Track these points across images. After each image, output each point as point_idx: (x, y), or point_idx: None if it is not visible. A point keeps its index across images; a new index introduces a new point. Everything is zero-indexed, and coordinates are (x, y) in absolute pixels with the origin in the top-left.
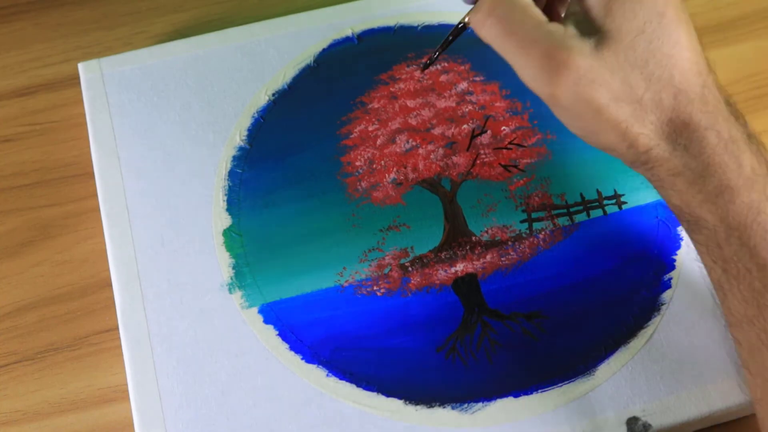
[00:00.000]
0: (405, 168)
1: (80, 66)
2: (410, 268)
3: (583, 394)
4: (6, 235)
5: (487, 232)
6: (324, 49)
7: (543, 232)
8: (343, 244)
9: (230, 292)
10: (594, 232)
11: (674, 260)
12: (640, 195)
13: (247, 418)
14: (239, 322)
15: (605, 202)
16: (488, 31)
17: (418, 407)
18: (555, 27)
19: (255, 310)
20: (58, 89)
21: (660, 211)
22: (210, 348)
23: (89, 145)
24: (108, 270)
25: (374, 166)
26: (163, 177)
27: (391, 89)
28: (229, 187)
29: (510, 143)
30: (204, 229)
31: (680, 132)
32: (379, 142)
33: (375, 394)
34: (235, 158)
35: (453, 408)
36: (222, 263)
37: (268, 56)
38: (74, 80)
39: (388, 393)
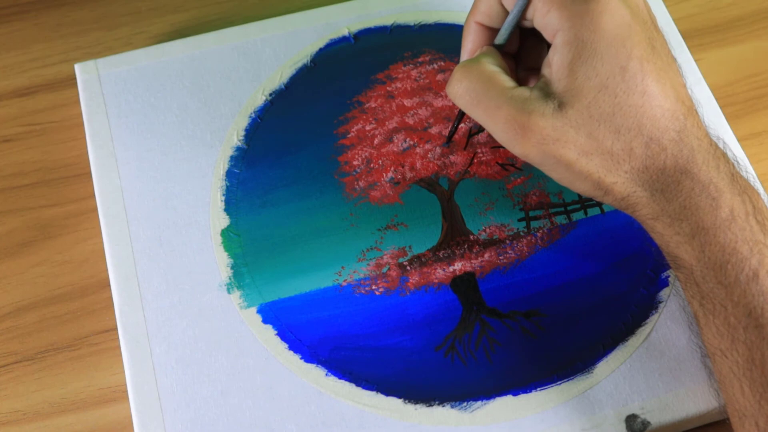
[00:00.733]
0: (402, 167)
1: (77, 67)
2: (408, 267)
3: (582, 392)
4: (6, 235)
5: (485, 230)
6: (320, 49)
7: (541, 231)
8: (341, 243)
9: (229, 292)
10: (591, 230)
11: None
12: None
13: (246, 417)
14: (238, 322)
15: None
16: (460, 101)
17: (418, 406)
18: (519, 92)
19: (254, 309)
20: (57, 89)
21: None
22: (209, 348)
23: None
24: (108, 270)
25: (372, 165)
26: (161, 177)
27: (388, 88)
28: (227, 187)
29: None
30: (202, 229)
31: (656, 178)
32: (376, 141)
33: (374, 393)
34: (232, 158)
35: (452, 407)
36: (220, 263)
37: (265, 56)
38: (74, 80)
39: (387, 392)
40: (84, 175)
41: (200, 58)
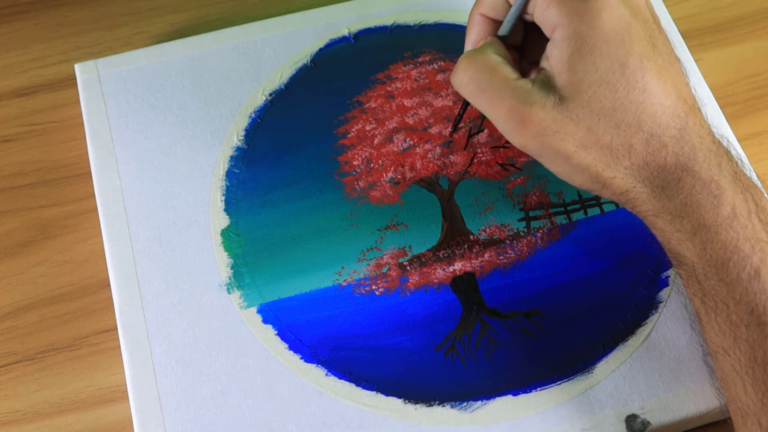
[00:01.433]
0: (402, 167)
1: (77, 67)
2: (408, 267)
3: (582, 392)
4: (6, 235)
5: (485, 230)
6: (320, 49)
7: (541, 231)
8: (341, 243)
9: (229, 292)
10: (592, 231)
11: None
12: None
13: (246, 417)
14: (238, 322)
15: (602, 200)
16: (464, 91)
17: (418, 406)
18: (522, 83)
19: (254, 309)
20: (57, 89)
21: None
22: (209, 348)
23: None
24: (108, 270)
25: (372, 165)
26: (161, 177)
27: (388, 88)
28: (227, 187)
29: (507, 142)
30: (202, 229)
31: (657, 175)
32: (376, 141)
33: (374, 393)
34: (232, 158)
35: (452, 407)
36: (220, 263)
37: (265, 56)
38: (74, 80)
39: (387, 392)
40: (84, 175)
41: (200, 58)
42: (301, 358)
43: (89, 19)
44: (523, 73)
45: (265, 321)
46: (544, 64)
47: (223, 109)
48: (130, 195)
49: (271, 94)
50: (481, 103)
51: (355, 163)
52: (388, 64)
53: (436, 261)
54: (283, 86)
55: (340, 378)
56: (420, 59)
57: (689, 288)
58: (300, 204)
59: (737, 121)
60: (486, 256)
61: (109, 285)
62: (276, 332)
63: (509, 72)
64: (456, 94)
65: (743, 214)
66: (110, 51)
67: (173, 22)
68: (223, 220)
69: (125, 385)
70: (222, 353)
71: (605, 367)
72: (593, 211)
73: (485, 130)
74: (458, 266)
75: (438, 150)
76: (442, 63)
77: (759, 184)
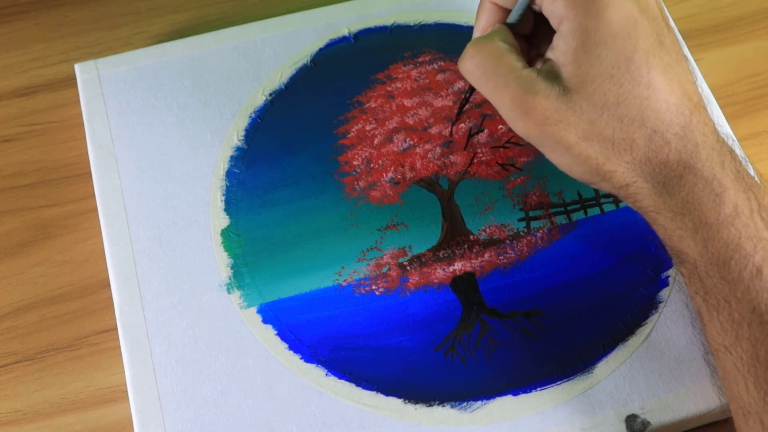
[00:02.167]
0: (402, 167)
1: (77, 67)
2: (408, 267)
3: (582, 392)
4: (6, 235)
5: (485, 230)
6: (320, 49)
7: (541, 231)
8: (341, 243)
9: (229, 292)
10: (592, 230)
11: None
12: None
13: (246, 417)
14: (238, 322)
15: (602, 200)
16: (471, 77)
17: (418, 406)
18: (527, 72)
19: (254, 309)
20: (57, 89)
21: None
22: (209, 348)
23: None
24: (108, 270)
25: (372, 165)
26: (161, 177)
27: (387, 88)
28: (227, 187)
29: (507, 142)
30: (202, 229)
31: (658, 171)
32: (376, 141)
33: (374, 393)
34: (232, 158)
35: (452, 407)
36: (220, 263)
37: (265, 56)
38: (74, 80)
39: (387, 392)
40: (84, 175)
41: (200, 58)
42: (301, 358)
43: (89, 19)
44: (531, 63)
45: (265, 321)
46: (550, 54)
47: (223, 109)
48: (130, 195)
49: (271, 94)
50: (486, 89)
51: (355, 163)
52: (388, 64)
53: (436, 261)
54: (283, 86)
55: (340, 378)
56: (420, 59)
57: (691, 286)
58: (300, 204)
59: (737, 121)
60: (486, 256)
61: (109, 285)
62: (276, 332)
63: (515, 60)
64: (456, 94)
65: (745, 213)
66: (110, 51)
67: (173, 22)
68: (223, 220)
69: (125, 385)
70: (222, 353)
71: (605, 367)
72: (593, 211)
73: (485, 130)
74: (458, 266)
75: (438, 150)
76: (442, 63)
77: (762, 184)
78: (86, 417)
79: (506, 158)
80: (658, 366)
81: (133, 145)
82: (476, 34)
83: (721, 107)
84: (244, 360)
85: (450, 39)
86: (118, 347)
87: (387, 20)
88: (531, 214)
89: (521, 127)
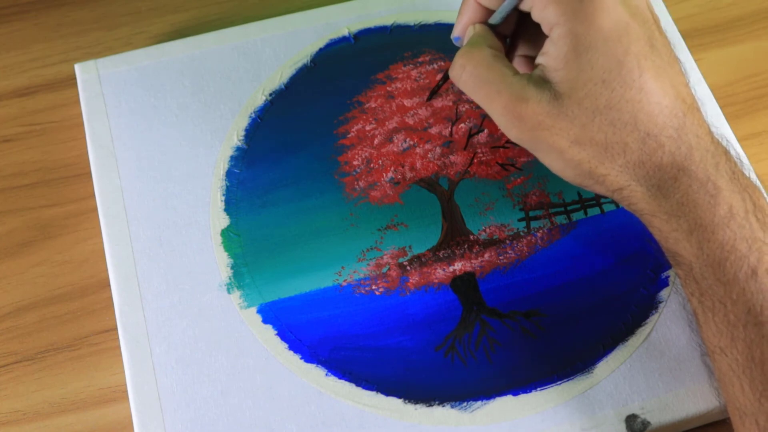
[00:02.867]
0: (402, 167)
1: (77, 67)
2: (408, 267)
3: (582, 392)
4: (6, 235)
5: (485, 230)
6: (320, 49)
7: (541, 231)
8: (341, 243)
9: (229, 292)
10: (591, 230)
11: None
12: None
13: (246, 417)
14: (238, 322)
15: (602, 200)
16: (463, 86)
17: (418, 406)
18: (518, 78)
19: (254, 309)
20: (57, 89)
21: None
22: (209, 348)
23: None
24: (108, 270)
25: (372, 165)
26: (161, 177)
27: (387, 88)
28: (227, 187)
29: (507, 142)
30: (202, 229)
31: (652, 174)
32: (376, 141)
33: (374, 393)
34: (232, 158)
35: (452, 407)
36: (220, 263)
37: (265, 56)
38: (74, 80)
39: (387, 392)
40: (84, 175)
41: (200, 58)
42: (301, 358)
43: (89, 19)
44: (510, 60)
45: (265, 321)
46: (540, 60)
47: (223, 109)
48: (130, 195)
49: (271, 94)
50: (478, 97)
51: (355, 163)
52: (388, 64)
53: (436, 261)
54: (283, 86)
55: (340, 378)
56: (420, 59)
57: (687, 287)
58: (300, 204)
59: (737, 121)
60: (486, 256)
61: (109, 285)
62: (276, 332)
63: (505, 67)
64: (455, 94)
65: (740, 214)
66: (110, 51)
67: (173, 22)
68: (223, 220)
69: (125, 385)
70: (222, 353)
71: (605, 367)
72: (593, 211)
73: (485, 130)
74: (458, 266)
75: (438, 150)
76: (442, 63)
77: (758, 184)
78: (86, 417)
79: (506, 158)
80: (658, 366)
81: (133, 145)
82: (457, 30)
83: (721, 107)
84: (244, 360)
85: (450, 39)
86: (118, 347)
87: (387, 20)
88: (531, 214)
89: (514, 133)
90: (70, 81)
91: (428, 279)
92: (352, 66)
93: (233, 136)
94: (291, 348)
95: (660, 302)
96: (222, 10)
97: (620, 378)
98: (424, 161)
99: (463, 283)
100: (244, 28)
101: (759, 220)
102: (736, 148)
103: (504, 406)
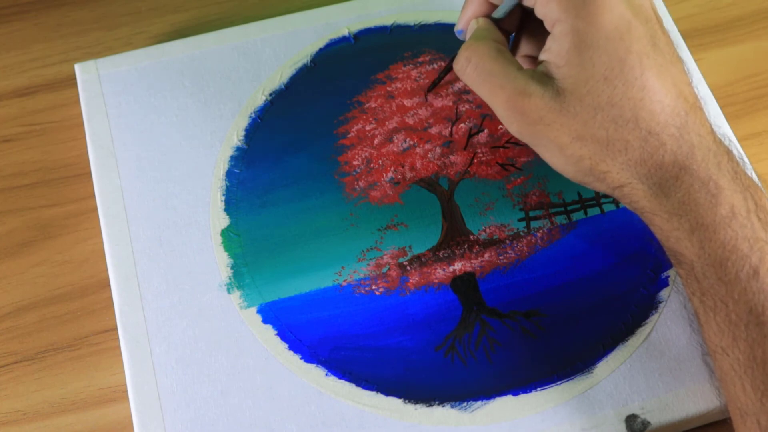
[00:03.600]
0: (402, 167)
1: (77, 67)
2: (408, 267)
3: (582, 392)
4: (6, 235)
5: (485, 230)
6: (320, 49)
7: (541, 231)
8: (341, 243)
9: (229, 292)
10: (592, 230)
11: None
12: None
13: (246, 417)
14: (238, 322)
15: (603, 200)
16: (467, 78)
17: (418, 406)
18: (522, 73)
19: (254, 309)
20: (57, 89)
21: None
22: (209, 348)
23: None
24: (108, 270)
25: (372, 165)
26: (161, 177)
27: (387, 88)
28: (227, 187)
29: (507, 142)
30: (202, 229)
31: (654, 172)
32: (376, 141)
33: (374, 393)
34: (232, 158)
35: (452, 407)
36: (220, 263)
37: (265, 56)
38: (74, 80)
39: (387, 392)
40: (84, 175)
41: (200, 58)
42: (301, 358)
43: (89, 19)
44: (514, 55)
45: (265, 321)
46: (543, 56)
47: (223, 109)
48: (130, 195)
49: (271, 94)
50: (482, 91)
51: (355, 163)
52: (388, 64)
53: (436, 261)
54: (283, 86)
55: (340, 378)
56: (420, 59)
57: (688, 287)
58: (300, 204)
59: (737, 121)
60: (486, 256)
61: (109, 285)
62: (276, 332)
63: (510, 62)
64: (456, 94)
65: (742, 213)
66: (110, 51)
67: (173, 22)
68: (223, 220)
69: (125, 385)
70: (222, 353)
71: (605, 367)
72: (593, 211)
73: (485, 130)
74: (458, 266)
75: (438, 150)
76: (442, 63)
77: (760, 184)
78: (86, 417)
79: (506, 158)
80: (658, 366)
81: (133, 145)
82: (460, 23)
83: (721, 107)
84: (244, 360)
85: (450, 39)
86: (118, 347)
87: (387, 20)
88: (531, 214)
89: (516, 128)
90: (70, 81)
91: (428, 279)
92: (352, 66)
93: (233, 136)
94: (291, 348)
95: (660, 302)
96: (222, 10)
97: (620, 378)
98: (424, 161)
99: (463, 283)
100: (244, 28)
101: (761, 219)
102: (738, 148)
103: (504, 406)
